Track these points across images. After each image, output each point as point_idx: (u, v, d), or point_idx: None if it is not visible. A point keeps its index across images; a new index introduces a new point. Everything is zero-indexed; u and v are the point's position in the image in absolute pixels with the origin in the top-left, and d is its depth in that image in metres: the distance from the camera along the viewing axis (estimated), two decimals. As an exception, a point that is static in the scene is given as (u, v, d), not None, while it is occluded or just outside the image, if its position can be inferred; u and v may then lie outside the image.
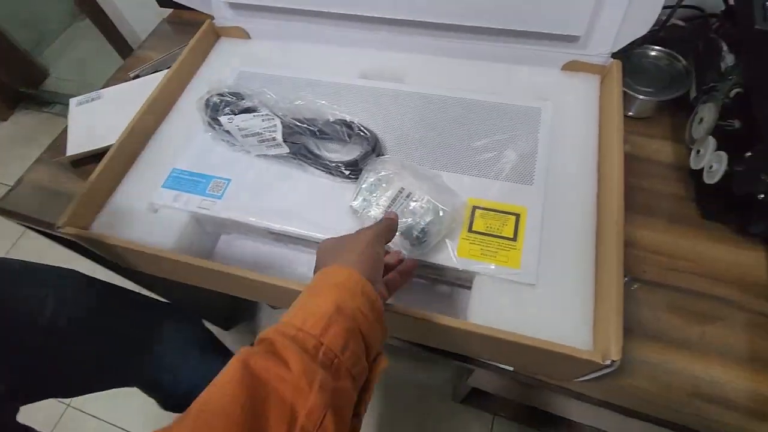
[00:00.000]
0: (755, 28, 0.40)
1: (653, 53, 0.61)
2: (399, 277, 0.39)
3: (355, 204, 0.45)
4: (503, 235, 0.43)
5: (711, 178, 0.48)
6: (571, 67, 0.54)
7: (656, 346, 0.45)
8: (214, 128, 0.51)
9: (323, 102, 0.51)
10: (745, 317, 0.45)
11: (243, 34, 0.64)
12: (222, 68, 0.62)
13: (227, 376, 0.24)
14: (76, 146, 0.66)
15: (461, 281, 0.46)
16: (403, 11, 0.54)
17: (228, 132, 0.50)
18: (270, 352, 0.26)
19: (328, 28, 0.60)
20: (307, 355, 0.26)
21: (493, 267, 0.42)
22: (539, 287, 0.41)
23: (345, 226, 0.45)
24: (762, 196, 0.42)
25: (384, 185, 0.45)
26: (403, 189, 0.44)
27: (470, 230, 0.44)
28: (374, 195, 0.45)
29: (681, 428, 0.41)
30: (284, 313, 0.29)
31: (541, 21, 0.50)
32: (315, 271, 0.35)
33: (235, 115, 0.49)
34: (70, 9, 1.87)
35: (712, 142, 0.49)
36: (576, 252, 0.42)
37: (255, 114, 0.48)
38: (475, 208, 0.45)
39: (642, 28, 0.45)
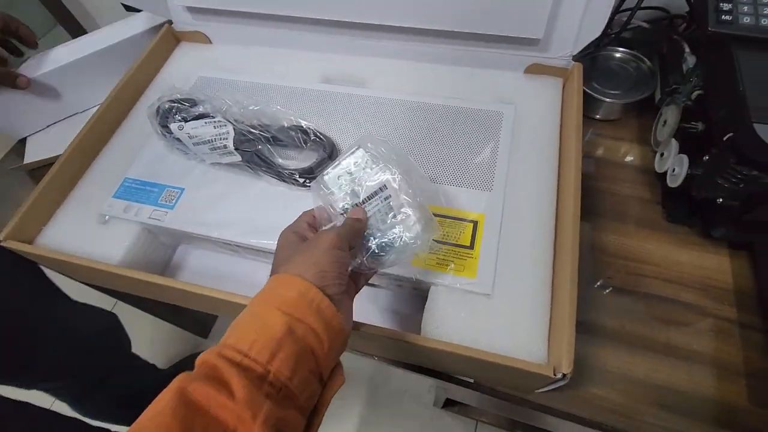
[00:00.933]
0: (709, 30, 0.39)
1: (618, 55, 0.60)
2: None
3: (326, 178, 0.37)
4: (460, 243, 0.42)
5: (674, 182, 0.47)
6: (534, 69, 0.53)
7: (621, 354, 0.44)
8: (165, 136, 0.50)
9: (278, 107, 0.49)
10: (710, 323, 0.45)
11: (204, 39, 0.63)
12: (180, 74, 0.61)
13: (159, 407, 0.23)
14: (34, 154, 0.64)
15: (419, 290, 0.45)
16: (366, 15, 0.52)
17: (179, 140, 0.48)
18: (211, 378, 0.24)
19: (289, 32, 0.58)
20: (253, 384, 0.24)
21: (449, 277, 0.40)
22: (495, 297, 0.40)
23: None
24: (721, 200, 0.42)
25: (369, 170, 0.37)
26: (385, 187, 0.36)
27: (427, 239, 0.43)
28: (352, 176, 0.37)
29: (645, 440, 0.40)
30: (230, 328, 0.27)
31: (501, 24, 0.49)
32: (272, 267, 0.33)
33: (186, 122, 0.47)
34: (42, 19, 1.83)
35: (674, 144, 0.48)
36: (534, 260, 0.41)
37: (206, 121, 0.47)
38: (432, 215, 0.44)
39: (596, 30, 0.44)
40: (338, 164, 0.37)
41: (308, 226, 0.35)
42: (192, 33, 0.62)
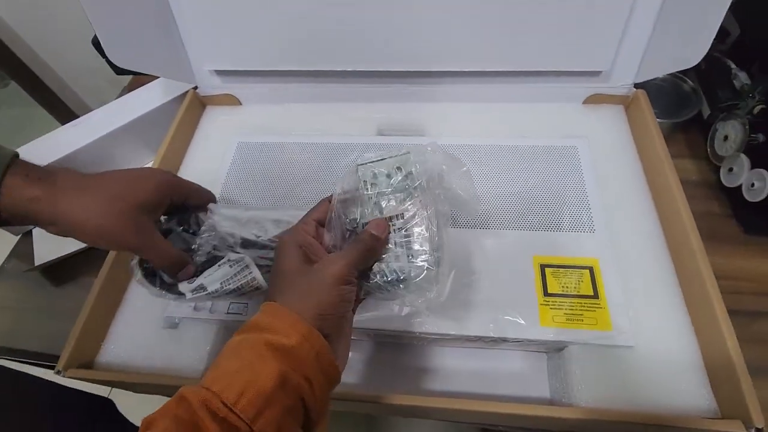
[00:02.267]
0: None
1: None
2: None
3: (368, 168, 0.31)
4: (582, 293, 0.40)
5: (755, 197, 0.48)
6: (594, 99, 0.53)
7: (758, 382, 0.42)
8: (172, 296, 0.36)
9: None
10: (821, 333, 0.45)
11: (233, 101, 0.58)
12: (214, 141, 0.56)
13: None
14: (46, 251, 0.56)
15: (549, 351, 0.42)
16: (417, 63, 0.50)
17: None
18: (188, 424, 0.21)
19: (331, 85, 0.55)
20: None
21: (584, 333, 0.38)
22: (639, 348, 0.37)
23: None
24: (821, 211, 0.42)
25: (407, 183, 0.31)
26: (419, 210, 0.30)
27: (546, 293, 0.40)
28: (384, 183, 0.31)
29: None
30: (216, 365, 0.24)
31: (566, 59, 0.48)
32: (270, 287, 0.29)
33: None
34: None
35: (745, 160, 0.49)
36: (663, 299, 0.40)
37: (220, 264, 0.34)
38: (543, 266, 0.42)
39: (693, 59, 0.44)
40: (382, 159, 0.32)
41: (313, 238, 0.31)
42: (220, 96, 0.58)
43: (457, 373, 0.43)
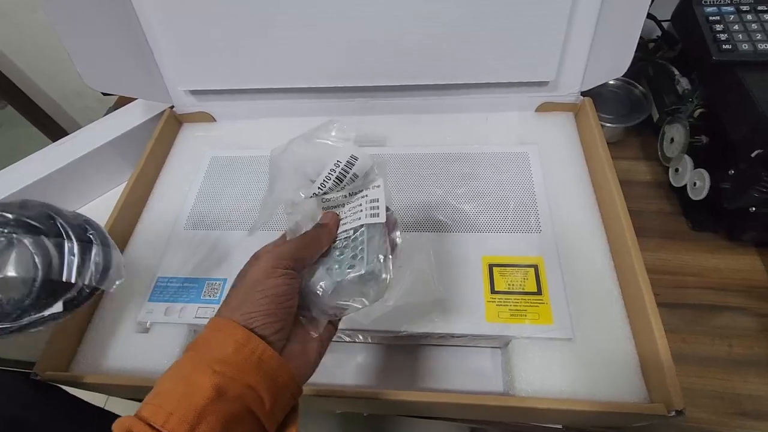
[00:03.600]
0: (713, 60, 0.43)
1: (611, 82, 0.64)
2: None
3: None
4: (527, 290, 0.42)
5: (697, 195, 0.50)
6: (545, 108, 0.56)
7: (692, 369, 0.45)
8: None
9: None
10: (764, 323, 0.47)
11: (208, 118, 0.62)
12: (190, 156, 0.59)
13: None
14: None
15: (495, 345, 0.44)
16: (378, 78, 0.54)
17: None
18: None
19: (301, 101, 0.58)
20: None
21: (528, 327, 0.40)
22: (577, 340, 0.40)
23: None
24: (753, 208, 0.45)
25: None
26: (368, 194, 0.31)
27: (493, 291, 0.43)
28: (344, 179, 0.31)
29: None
30: (154, 386, 0.24)
31: (514, 71, 0.51)
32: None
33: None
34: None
35: (688, 160, 0.52)
36: (603, 294, 0.42)
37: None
38: (491, 266, 0.44)
39: (620, 69, 0.47)
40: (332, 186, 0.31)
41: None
42: (195, 114, 0.61)
43: (418, 371, 0.46)
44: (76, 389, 0.45)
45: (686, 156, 0.52)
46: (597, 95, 0.64)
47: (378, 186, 0.32)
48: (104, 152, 0.60)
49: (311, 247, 0.29)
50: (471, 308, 0.42)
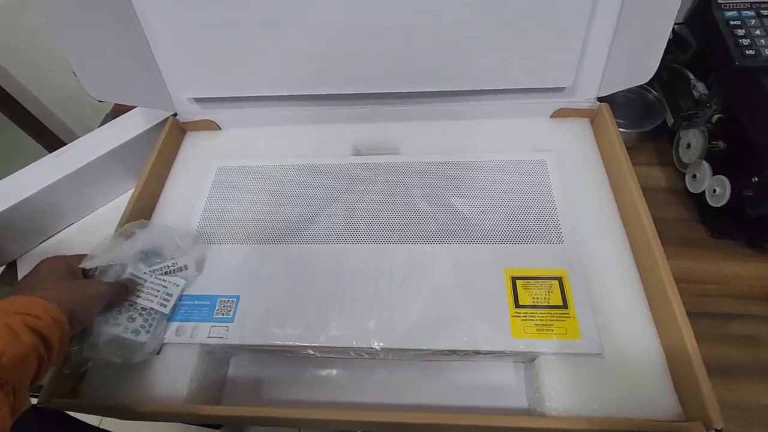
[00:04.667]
0: (736, 66, 0.42)
1: (624, 87, 0.63)
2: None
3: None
4: (552, 303, 0.41)
5: (717, 202, 0.50)
6: (561, 114, 0.55)
7: (718, 380, 0.44)
8: None
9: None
10: (786, 331, 0.46)
11: (213, 126, 0.60)
12: (195, 167, 0.57)
13: None
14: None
15: (522, 361, 0.43)
16: (387, 85, 0.52)
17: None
18: None
19: (308, 108, 0.57)
20: None
21: (555, 343, 0.39)
22: (606, 355, 0.39)
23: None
24: (777, 216, 0.44)
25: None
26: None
27: (517, 305, 0.41)
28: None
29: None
30: None
31: (530, 77, 0.50)
32: (21, 286, 0.37)
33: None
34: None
35: (707, 167, 0.51)
36: (628, 306, 0.41)
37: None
38: (514, 279, 0.43)
39: (645, 77, 0.46)
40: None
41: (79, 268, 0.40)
42: (199, 122, 0.59)
43: (439, 387, 0.44)
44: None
45: (704, 162, 0.51)
46: (609, 100, 0.63)
47: (177, 285, 0.44)
48: (105, 163, 0.58)
49: (121, 295, 0.41)
50: (496, 323, 0.40)
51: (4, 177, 0.56)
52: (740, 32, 0.44)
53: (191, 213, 0.52)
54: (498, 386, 0.44)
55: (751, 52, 0.42)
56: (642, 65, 0.45)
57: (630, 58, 0.46)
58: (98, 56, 0.47)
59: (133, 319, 0.41)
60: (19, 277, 0.57)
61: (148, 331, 0.41)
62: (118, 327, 0.40)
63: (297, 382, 0.46)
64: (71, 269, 0.39)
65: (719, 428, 0.32)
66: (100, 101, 0.65)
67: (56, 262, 0.39)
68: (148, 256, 0.45)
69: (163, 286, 0.44)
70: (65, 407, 0.39)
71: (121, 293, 0.41)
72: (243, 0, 0.46)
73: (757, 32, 0.44)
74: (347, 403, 0.44)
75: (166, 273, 0.44)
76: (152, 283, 0.43)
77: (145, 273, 0.44)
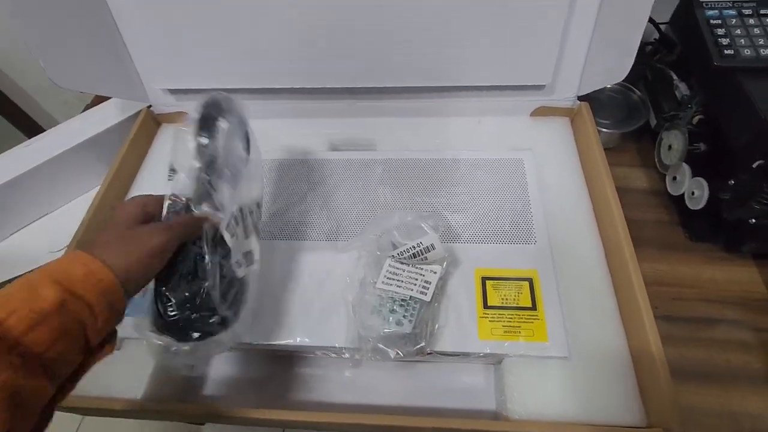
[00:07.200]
0: (714, 65, 0.41)
1: (608, 86, 0.63)
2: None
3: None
4: (521, 305, 0.41)
5: (695, 204, 0.49)
6: (540, 112, 0.54)
7: (689, 386, 0.43)
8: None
9: None
10: (761, 337, 0.46)
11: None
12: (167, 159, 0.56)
13: None
14: (-1, 272, 0.56)
15: (488, 362, 0.42)
16: (365, 79, 0.51)
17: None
18: None
19: (285, 102, 0.56)
20: None
21: (521, 345, 0.38)
22: (573, 359, 0.38)
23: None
24: (753, 220, 0.43)
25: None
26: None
27: (486, 306, 0.41)
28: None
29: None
30: (4, 288, 0.25)
31: (509, 74, 0.49)
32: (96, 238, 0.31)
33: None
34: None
35: (687, 169, 0.50)
36: (598, 309, 0.41)
37: None
38: (485, 279, 0.42)
39: (617, 76, 0.45)
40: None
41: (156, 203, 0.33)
42: (174, 114, 0.58)
43: (409, 387, 0.44)
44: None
45: (684, 164, 0.50)
46: (594, 99, 0.62)
47: (435, 272, 0.40)
48: (76, 154, 0.56)
49: (192, 234, 0.31)
50: (463, 324, 0.40)
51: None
52: (720, 31, 0.43)
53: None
54: (469, 388, 0.43)
55: (730, 51, 0.41)
56: (618, 63, 0.44)
57: (608, 56, 0.45)
58: (64, 42, 0.46)
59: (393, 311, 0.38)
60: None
61: (410, 321, 0.37)
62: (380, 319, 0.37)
63: (274, 379, 0.45)
64: (145, 214, 0.32)
65: (679, 435, 0.31)
66: (81, 92, 0.65)
67: (129, 205, 0.32)
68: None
69: (416, 274, 0.40)
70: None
71: (195, 233, 0.32)
72: (215, -11, 0.45)
73: (738, 32, 0.43)
74: (314, 402, 0.43)
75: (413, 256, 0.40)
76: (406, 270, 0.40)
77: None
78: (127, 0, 0.48)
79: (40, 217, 0.59)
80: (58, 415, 0.28)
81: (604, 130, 0.59)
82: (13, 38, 0.89)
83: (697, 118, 0.50)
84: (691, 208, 0.50)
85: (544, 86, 0.51)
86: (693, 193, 0.49)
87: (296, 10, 0.46)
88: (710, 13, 0.44)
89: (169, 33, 0.50)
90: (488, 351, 0.38)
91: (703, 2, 0.45)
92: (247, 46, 0.50)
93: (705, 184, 0.47)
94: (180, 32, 0.50)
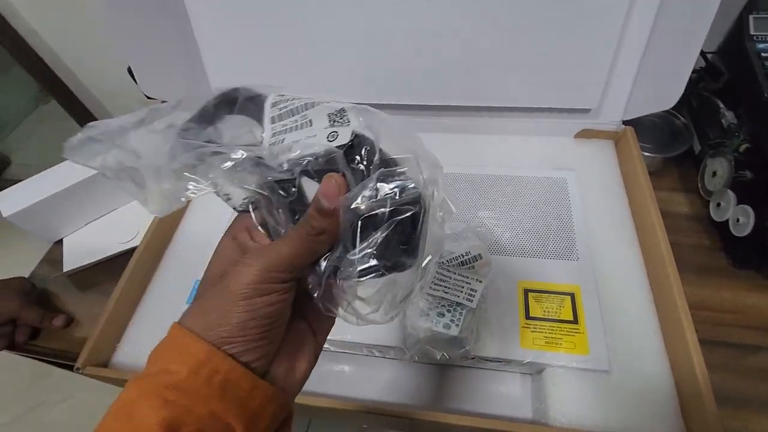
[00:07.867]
0: (765, 98, 0.42)
1: (651, 111, 0.64)
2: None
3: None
4: (563, 318, 0.42)
5: (740, 231, 0.49)
6: (585, 134, 0.55)
7: (731, 411, 0.43)
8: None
9: None
10: (804, 366, 0.45)
11: (249, 126, 0.63)
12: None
13: None
14: (73, 258, 0.61)
15: (527, 372, 0.44)
16: (414, 97, 0.54)
17: None
18: None
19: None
20: None
21: (563, 356, 0.40)
22: (614, 373, 0.39)
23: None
24: (801, 249, 0.44)
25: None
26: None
27: (528, 317, 0.43)
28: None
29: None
30: (101, 420, 0.19)
31: (556, 97, 0.51)
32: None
33: None
34: (33, 94, 1.82)
35: (732, 195, 0.51)
36: (640, 327, 0.42)
37: None
38: (527, 291, 0.44)
39: (669, 102, 0.47)
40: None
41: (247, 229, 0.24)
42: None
43: (446, 390, 0.46)
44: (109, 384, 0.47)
45: (730, 191, 0.51)
46: (636, 123, 0.63)
47: (480, 281, 0.41)
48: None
49: (314, 250, 0.22)
50: (505, 332, 0.41)
51: (57, 164, 0.61)
52: (771, 64, 0.44)
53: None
54: (504, 395, 0.45)
55: (780, 84, 0.42)
56: (667, 91, 0.46)
57: (656, 83, 0.47)
58: (153, 58, 0.51)
59: (442, 314, 0.40)
60: (64, 257, 0.61)
61: (457, 325, 0.39)
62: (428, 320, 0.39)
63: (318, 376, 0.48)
64: (240, 245, 0.24)
65: (722, 454, 0.32)
66: (148, 97, 0.71)
67: (222, 246, 0.24)
68: None
69: (463, 281, 0.41)
70: (96, 376, 0.42)
71: (319, 242, 0.22)
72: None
73: (788, 65, 0.44)
74: (357, 398, 0.46)
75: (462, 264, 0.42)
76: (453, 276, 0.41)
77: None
78: (207, 19, 0.53)
79: (113, 209, 0.64)
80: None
81: (646, 153, 0.60)
82: (86, 43, 0.98)
83: (744, 146, 0.51)
84: (736, 234, 0.50)
85: (590, 110, 0.53)
86: (738, 220, 0.50)
87: (357, 29, 0.50)
88: (761, 46, 0.46)
89: (240, 45, 0.54)
90: (530, 359, 0.40)
91: (753, 36, 0.47)
92: (307, 60, 0.54)
93: (751, 211, 0.48)
94: (250, 44, 0.54)
